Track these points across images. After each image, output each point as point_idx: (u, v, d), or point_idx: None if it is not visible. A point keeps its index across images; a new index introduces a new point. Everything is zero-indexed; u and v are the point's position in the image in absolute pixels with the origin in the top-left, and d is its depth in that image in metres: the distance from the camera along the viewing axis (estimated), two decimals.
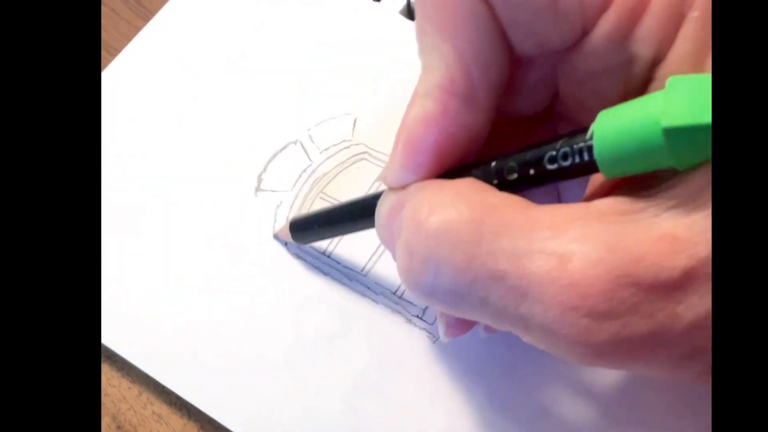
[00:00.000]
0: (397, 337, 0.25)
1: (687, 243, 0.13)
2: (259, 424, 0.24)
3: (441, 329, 0.23)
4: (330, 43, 0.31)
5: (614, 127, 0.14)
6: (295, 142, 0.29)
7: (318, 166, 0.29)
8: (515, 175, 0.16)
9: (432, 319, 0.25)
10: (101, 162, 0.29)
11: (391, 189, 0.18)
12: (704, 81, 0.13)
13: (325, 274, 0.27)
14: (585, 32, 0.16)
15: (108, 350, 0.26)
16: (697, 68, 0.15)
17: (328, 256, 0.27)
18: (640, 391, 0.24)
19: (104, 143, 0.29)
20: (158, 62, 0.31)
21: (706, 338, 0.14)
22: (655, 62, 0.15)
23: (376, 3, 0.32)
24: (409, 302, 0.26)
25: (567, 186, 0.21)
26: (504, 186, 0.17)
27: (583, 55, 0.16)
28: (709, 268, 0.13)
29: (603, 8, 0.15)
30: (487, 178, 0.17)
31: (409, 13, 0.32)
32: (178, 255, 0.27)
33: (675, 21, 0.15)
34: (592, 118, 0.16)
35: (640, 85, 0.16)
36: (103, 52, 0.32)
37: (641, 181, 0.15)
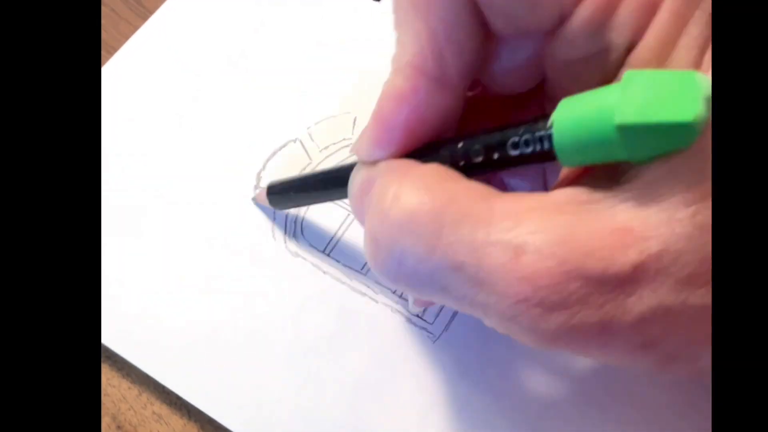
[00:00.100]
0: (397, 337, 0.25)
1: (639, 237, 0.14)
2: (259, 424, 0.24)
3: (410, 299, 0.24)
4: (330, 43, 0.31)
5: (572, 117, 0.14)
6: (294, 141, 0.29)
7: (318, 164, 0.29)
8: (480, 158, 0.17)
9: (432, 319, 0.25)
10: (101, 162, 0.29)
11: (363, 163, 0.19)
12: (661, 77, 0.13)
13: (325, 273, 0.27)
14: (562, 19, 0.16)
15: (108, 350, 0.26)
16: (662, 58, 0.15)
17: (329, 256, 0.27)
18: (640, 390, 0.24)
19: (104, 143, 0.29)
20: (157, 61, 0.31)
21: (657, 331, 0.14)
22: (629, 50, 0.16)
23: (376, 3, 0.32)
24: (408, 301, 0.26)
25: (552, 170, 0.21)
26: (470, 168, 0.17)
27: (562, 42, 0.17)
28: (661, 263, 0.13)
29: None
30: (454, 159, 0.17)
31: None
32: (178, 255, 0.27)
33: (649, 11, 0.15)
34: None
35: (615, 70, 0.16)
36: (103, 52, 0.32)
37: (606, 171, 0.15)
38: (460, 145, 0.17)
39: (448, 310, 0.26)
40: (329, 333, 0.25)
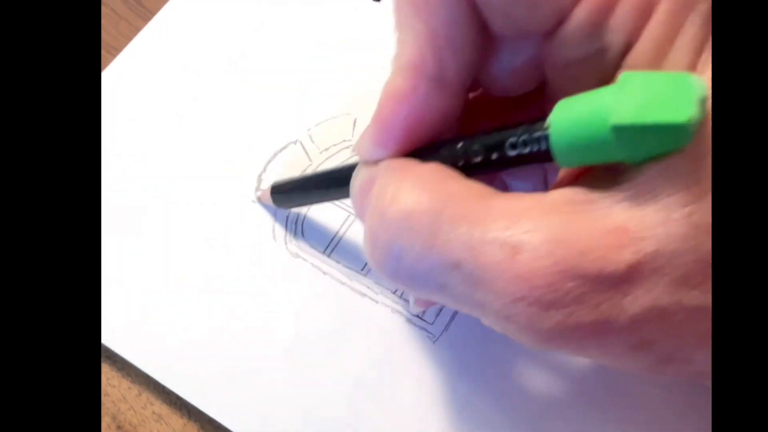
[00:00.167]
0: (397, 337, 0.25)
1: (635, 237, 0.14)
2: (259, 424, 0.24)
3: (411, 300, 0.24)
4: (330, 43, 0.31)
5: (569, 119, 0.15)
6: (295, 142, 0.29)
7: (318, 166, 0.29)
8: (479, 158, 0.17)
9: (432, 319, 0.25)
10: (101, 162, 0.29)
11: (365, 163, 0.19)
12: (656, 78, 0.13)
13: (325, 274, 0.27)
14: (561, 20, 0.16)
15: (108, 350, 0.26)
16: (658, 59, 0.15)
17: (329, 256, 0.27)
18: (640, 390, 0.24)
19: (104, 143, 0.29)
20: (158, 62, 0.31)
21: (652, 331, 0.14)
22: (626, 51, 0.16)
23: (376, 3, 0.32)
24: (408, 302, 0.26)
25: (553, 172, 0.21)
26: (469, 168, 0.17)
27: (560, 43, 0.17)
28: (656, 263, 0.14)
29: None
30: (453, 159, 0.17)
31: None
32: (178, 255, 0.27)
33: (645, 12, 0.15)
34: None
35: (612, 71, 0.16)
36: (103, 52, 0.32)
37: (604, 172, 0.15)
38: (459, 145, 0.17)
39: (448, 310, 0.26)
40: (329, 333, 0.25)
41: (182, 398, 0.25)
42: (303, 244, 0.27)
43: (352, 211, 0.27)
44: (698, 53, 0.15)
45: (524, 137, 0.16)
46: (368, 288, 0.26)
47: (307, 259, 0.27)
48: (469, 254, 0.15)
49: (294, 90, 0.30)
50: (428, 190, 0.16)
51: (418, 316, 0.26)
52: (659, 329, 0.14)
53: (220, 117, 0.30)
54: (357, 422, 0.24)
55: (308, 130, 0.30)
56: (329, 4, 0.32)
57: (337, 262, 0.27)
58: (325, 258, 0.27)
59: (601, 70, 0.16)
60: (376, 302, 0.26)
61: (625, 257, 0.14)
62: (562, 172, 0.18)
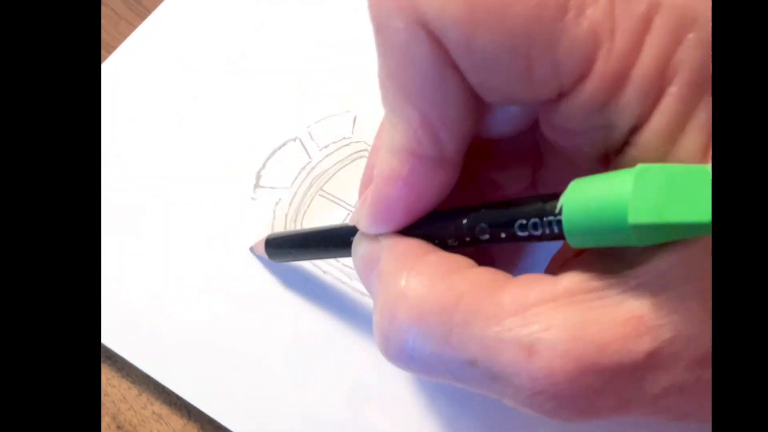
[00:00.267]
0: None
1: (651, 324, 0.14)
2: (259, 424, 0.24)
3: None
4: (330, 43, 0.31)
5: (583, 208, 0.14)
6: (294, 140, 0.29)
7: (317, 163, 0.29)
8: (487, 236, 0.17)
9: None
10: (101, 162, 0.29)
11: (365, 234, 0.19)
12: (674, 172, 0.13)
13: (325, 273, 0.27)
14: (561, 95, 0.15)
15: (108, 350, 0.26)
16: (670, 143, 0.14)
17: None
18: None
19: (104, 143, 0.29)
20: (157, 61, 0.31)
21: (673, 401, 0.14)
22: (634, 130, 0.15)
23: None
24: None
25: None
26: (476, 242, 0.17)
27: (559, 115, 0.16)
28: (674, 348, 0.14)
29: (581, 78, 0.14)
30: (459, 234, 0.17)
31: None
32: (178, 255, 0.27)
33: (654, 95, 0.14)
34: (572, 160, 0.16)
35: (619, 147, 0.16)
36: (102, 52, 0.32)
37: (615, 250, 0.15)
38: (465, 221, 0.17)
39: None
40: (329, 333, 0.25)
41: (182, 398, 0.25)
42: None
43: (353, 210, 0.27)
44: (710, 138, 0.14)
45: (534, 220, 0.15)
46: None
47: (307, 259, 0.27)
48: (485, 353, 0.15)
49: (294, 89, 0.30)
50: (436, 289, 0.16)
51: None
52: (679, 400, 0.14)
53: (219, 116, 0.30)
54: (357, 422, 0.24)
55: (308, 127, 0.30)
56: (329, 4, 0.32)
57: (337, 261, 0.27)
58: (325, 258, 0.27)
59: (604, 143, 0.16)
60: None
61: (643, 346, 0.14)
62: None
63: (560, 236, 0.15)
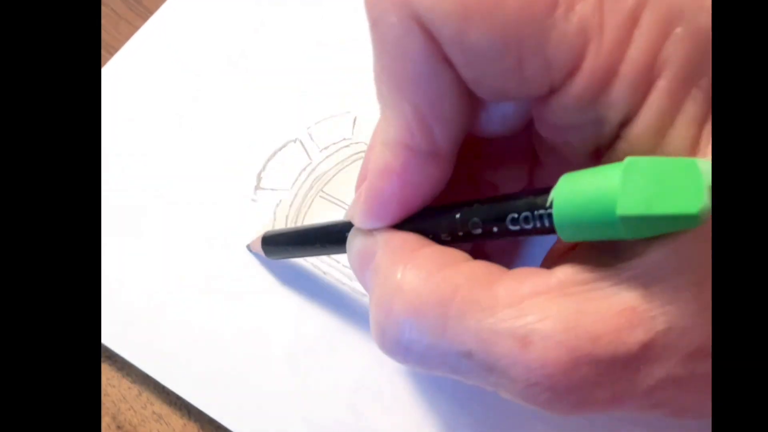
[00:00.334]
0: None
1: (644, 316, 0.14)
2: (259, 424, 0.24)
3: None
4: (330, 43, 0.31)
5: (572, 200, 0.14)
6: (294, 141, 0.29)
7: (318, 164, 0.29)
8: (479, 230, 0.17)
9: None
10: (101, 162, 0.29)
11: (360, 229, 0.19)
12: (662, 165, 0.13)
13: (325, 273, 0.27)
14: (552, 90, 0.15)
15: (108, 350, 0.26)
16: (659, 135, 0.15)
17: (329, 256, 0.27)
18: None
19: (104, 143, 0.29)
20: (158, 61, 0.31)
21: (667, 394, 0.15)
22: (624, 123, 0.15)
23: None
24: None
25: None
26: (469, 237, 0.17)
27: (551, 110, 0.16)
28: (668, 339, 0.14)
29: (571, 73, 0.15)
30: (452, 229, 0.17)
31: None
32: (178, 255, 0.27)
33: (643, 89, 0.14)
34: (567, 159, 0.16)
35: (609, 141, 0.16)
36: (103, 52, 0.32)
37: (608, 243, 0.15)
38: (457, 216, 0.17)
39: None
40: (329, 333, 0.25)
41: (182, 398, 0.25)
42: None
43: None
44: (700, 130, 0.14)
45: (525, 214, 0.15)
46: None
47: (307, 259, 0.27)
48: (481, 345, 0.15)
49: (294, 90, 0.30)
50: (432, 282, 0.16)
51: None
52: (674, 393, 0.15)
53: (220, 116, 0.30)
54: (357, 422, 0.24)
55: (308, 128, 0.30)
56: (329, 4, 0.32)
57: (337, 261, 0.27)
58: (325, 258, 0.27)
59: (595, 136, 0.16)
60: None
61: (637, 337, 0.14)
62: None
63: (551, 230, 0.15)
